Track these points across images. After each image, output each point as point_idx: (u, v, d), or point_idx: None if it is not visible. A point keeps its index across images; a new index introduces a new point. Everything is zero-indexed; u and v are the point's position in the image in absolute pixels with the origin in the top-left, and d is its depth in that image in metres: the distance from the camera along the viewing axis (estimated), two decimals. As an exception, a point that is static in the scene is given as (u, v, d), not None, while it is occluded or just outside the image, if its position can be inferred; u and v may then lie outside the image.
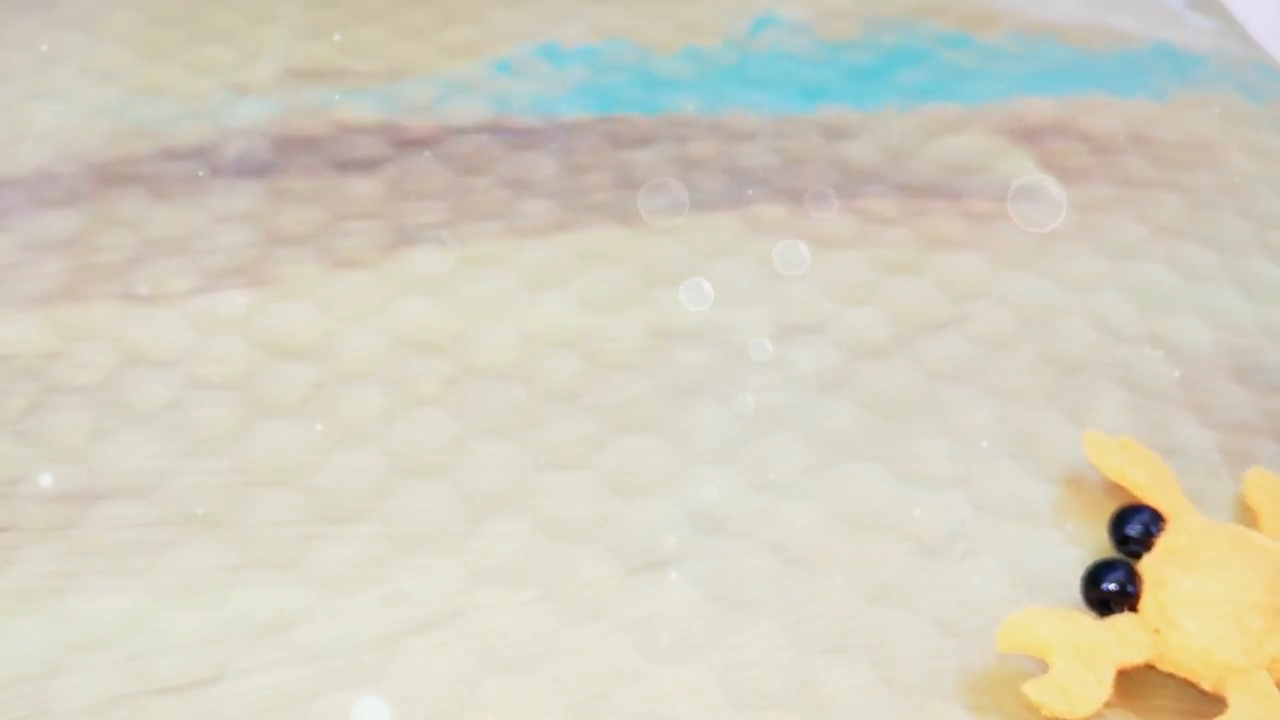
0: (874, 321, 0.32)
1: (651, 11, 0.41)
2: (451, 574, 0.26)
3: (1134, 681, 0.25)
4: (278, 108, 0.36)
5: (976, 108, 0.38)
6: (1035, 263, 0.34)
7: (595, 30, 0.40)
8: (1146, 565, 0.25)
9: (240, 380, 0.29)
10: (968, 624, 0.25)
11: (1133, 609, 0.25)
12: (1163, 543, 0.26)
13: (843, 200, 0.35)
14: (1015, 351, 0.31)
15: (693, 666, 0.25)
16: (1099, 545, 0.27)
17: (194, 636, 0.24)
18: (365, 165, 0.34)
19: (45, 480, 0.27)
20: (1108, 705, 0.24)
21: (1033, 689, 0.24)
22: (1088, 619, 0.25)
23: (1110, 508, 0.27)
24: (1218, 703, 0.24)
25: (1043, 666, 0.24)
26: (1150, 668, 0.25)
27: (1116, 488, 0.28)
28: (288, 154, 0.34)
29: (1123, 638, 0.24)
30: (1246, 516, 0.27)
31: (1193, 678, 0.24)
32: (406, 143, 0.35)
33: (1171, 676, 0.25)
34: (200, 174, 0.34)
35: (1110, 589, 0.25)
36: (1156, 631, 0.24)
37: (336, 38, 0.38)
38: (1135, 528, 0.26)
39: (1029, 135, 0.38)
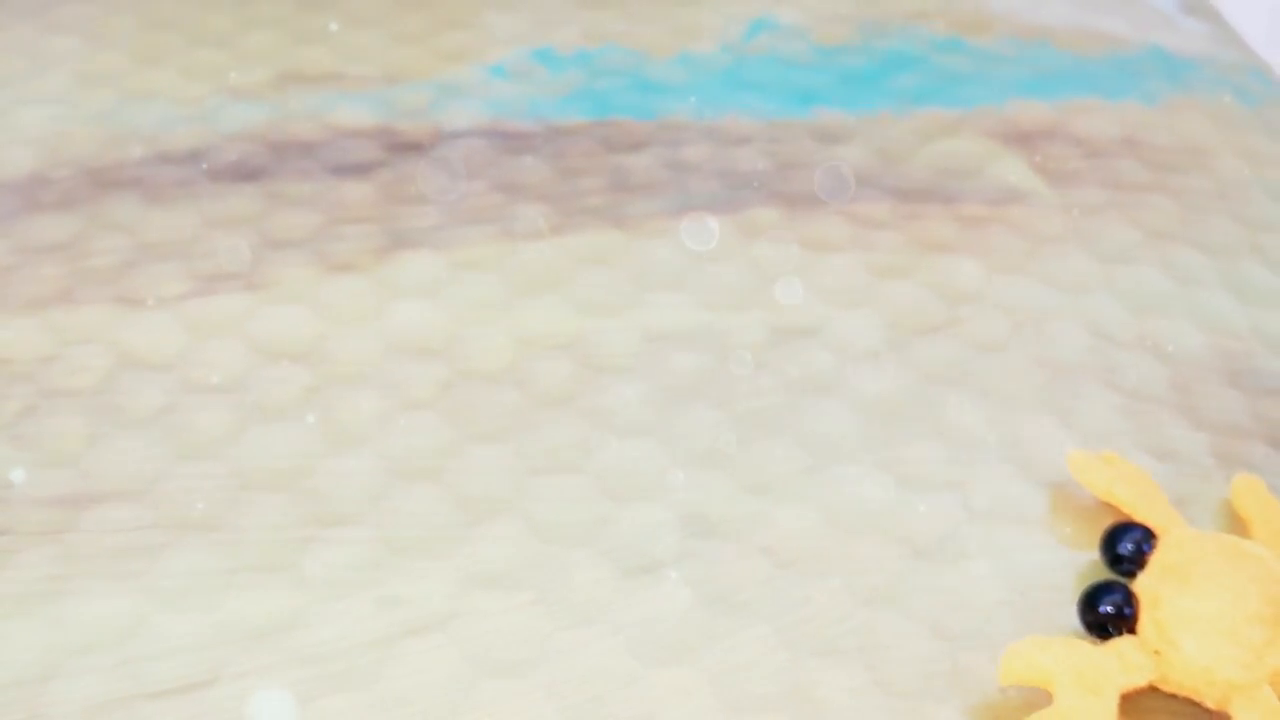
0: (867, 325, 0.32)
1: (646, 16, 0.41)
2: (446, 577, 0.26)
3: (1137, 703, 0.25)
4: (272, 112, 0.36)
5: (970, 112, 0.39)
6: (1028, 266, 0.34)
7: (590, 35, 0.40)
8: (1142, 585, 0.25)
9: (235, 384, 0.29)
10: (960, 627, 0.25)
11: (1131, 631, 0.25)
12: (1156, 560, 0.26)
13: (836, 204, 0.35)
14: (1008, 355, 0.31)
15: (686, 669, 0.25)
16: (1092, 548, 0.27)
17: (189, 640, 0.24)
18: (360, 169, 0.34)
19: (39, 484, 0.27)
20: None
21: None
22: (1087, 645, 0.24)
23: (1103, 511, 0.28)
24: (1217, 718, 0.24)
25: (1047, 696, 0.24)
26: (1153, 689, 0.25)
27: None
28: (282, 158, 0.34)
29: (1124, 661, 0.24)
30: (1236, 524, 0.27)
31: (1196, 697, 0.24)
32: (401, 147, 0.35)
33: (1174, 697, 0.25)
34: (195, 178, 0.34)
35: (1107, 612, 0.25)
36: (1157, 653, 0.24)
37: (331, 42, 0.38)
38: (1127, 546, 0.26)
39: (1022, 139, 0.38)
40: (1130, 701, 0.24)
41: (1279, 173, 0.37)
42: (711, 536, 0.27)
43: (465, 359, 0.30)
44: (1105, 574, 0.26)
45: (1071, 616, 0.25)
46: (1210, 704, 0.24)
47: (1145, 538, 0.26)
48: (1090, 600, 0.25)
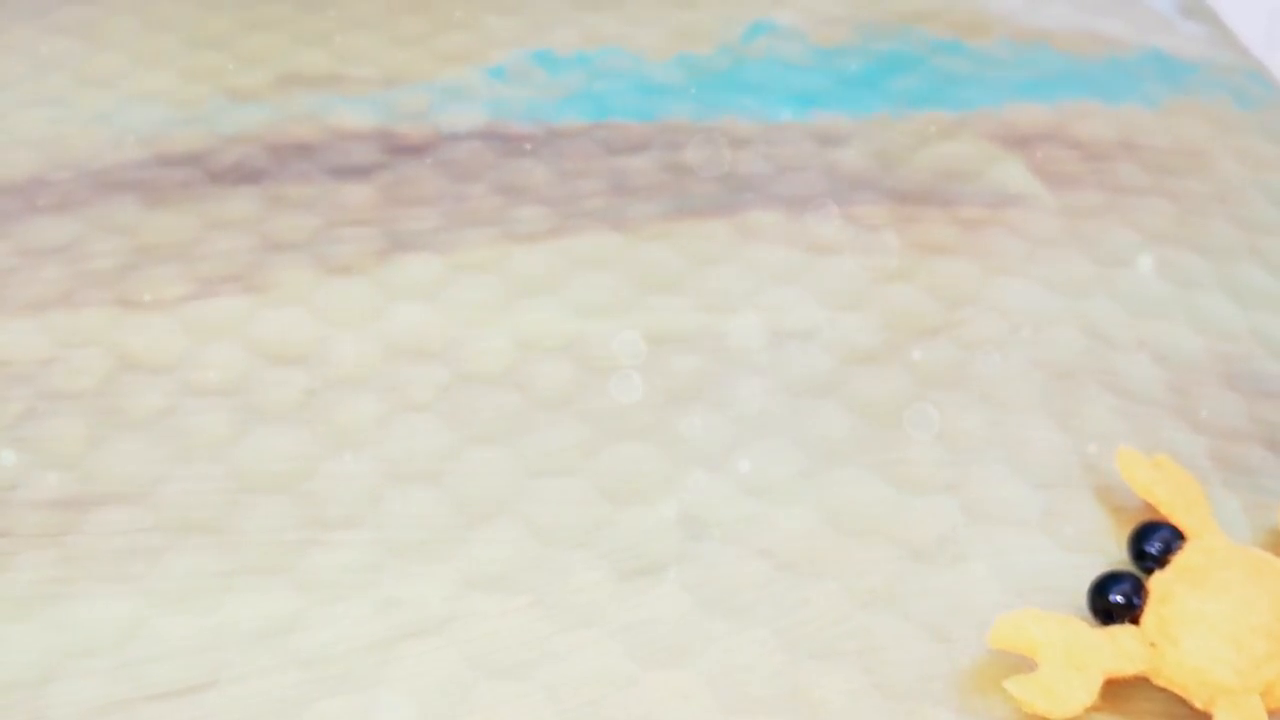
0: (865, 327, 0.32)
1: (645, 18, 0.41)
2: (444, 580, 0.26)
3: (1123, 689, 0.25)
4: (272, 114, 0.36)
5: (968, 114, 0.39)
6: (1026, 269, 0.34)
7: (589, 37, 0.40)
8: (1156, 580, 0.25)
9: (234, 386, 0.29)
10: (958, 629, 0.26)
11: (1135, 622, 0.25)
12: (1178, 560, 0.26)
13: (835, 207, 0.35)
14: (1006, 357, 0.31)
15: (684, 672, 0.25)
16: (1090, 550, 0.27)
17: (188, 642, 0.24)
18: (360, 172, 0.35)
19: (39, 486, 0.27)
20: (1094, 709, 0.24)
21: (1015, 686, 0.24)
22: (1083, 624, 0.25)
23: (1102, 514, 0.28)
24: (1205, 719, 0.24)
25: (1033, 667, 0.24)
26: (1144, 680, 0.25)
27: (1109, 494, 0.28)
28: (282, 160, 0.34)
29: (1117, 647, 0.24)
30: (1278, 545, 0.27)
31: (1184, 694, 0.25)
32: (401, 149, 0.35)
33: (1164, 690, 0.25)
34: (195, 180, 0.34)
35: (1116, 600, 0.25)
36: (1153, 645, 0.24)
37: (330, 44, 0.38)
38: (1154, 544, 0.26)
39: (1021, 142, 0.38)
40: (1119, 694, 0.25)
41: (1278, 176, 0.38)
42: (710, 539, 0.27)
43: (464, 361, 0.30)
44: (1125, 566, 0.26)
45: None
46: (1198, 704, 0.24)
47: (1174, 538, 0.26)
48: (1101, 587, 0.26)
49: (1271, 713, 0.24)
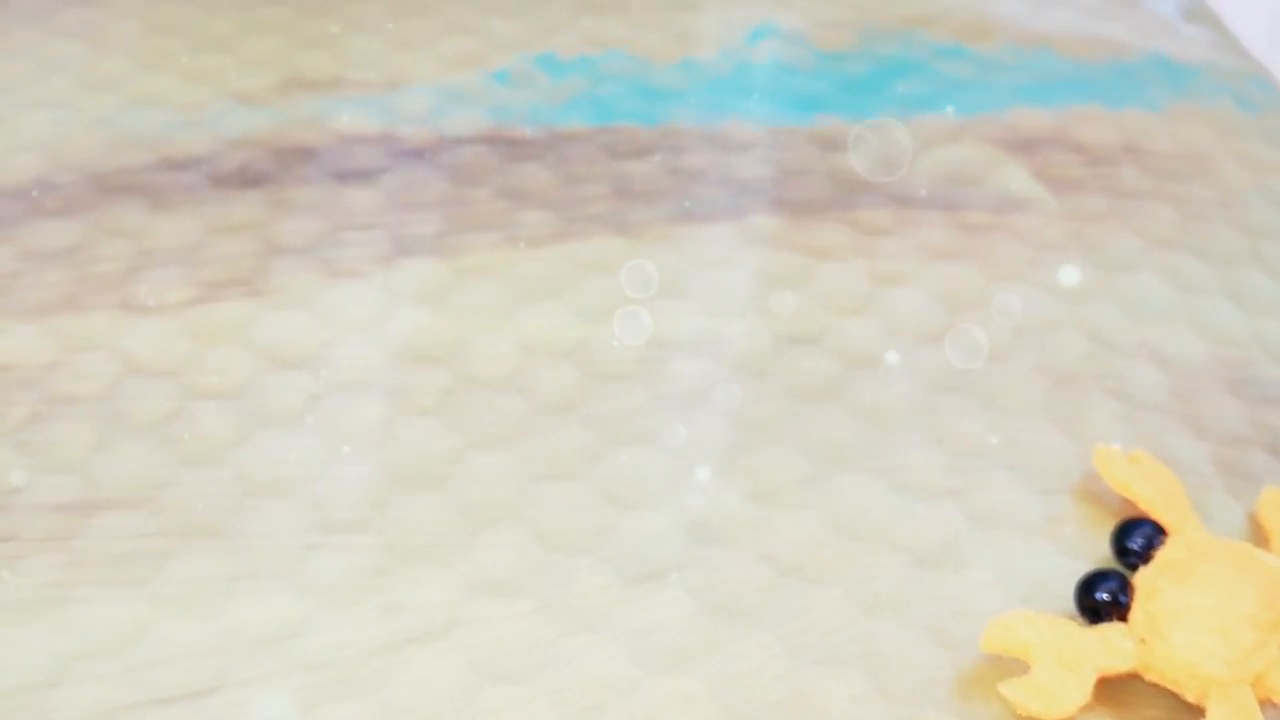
0: (869, 333, 0.32)
1: (649, 22, 0.41)
2: (449, 585, 0.26)
3: (1118, 688, 0.25)
4: (276, 117, 0.36)
5: (971, 119, 0.39)
6: (1029, 274, 0.34)
7: (593, 41, 0.40)
8: (1141, 576, 0.26)
9: (239, 390, 0.29)
10: (962, 635, 0.26)
11: (1123, 619, 0.25)
12: (1161, 555, 0.26)
13: (838, 211, 0.35)
14: (1009, 363, 0.31)
15: (688, 677, 0.25)
16: (1093, 556, 0.27)
17: (193, 647, 0.24)
18: (364, 175, 0.35)
19: (44, 490, 0.27)
20: (1088, 709, 0.24)
21: (1009, 689, 0.24)
22: (1073, 624, 0.25)
23: (1105, 519, 0.28)
24: (1200, 714, 0.24)
25: (1027, 670, 0.24)
26: (1135, 677, 0.25)
27: (1111, 500, 0.28)
28: (286, 164, 0.35)
29: (1108, 645, 0.25)
30: (1258, 535, 0.27)
31: (1176, 689, 0.25)
32: (404, 153, 0.35)
33: (1157, 685, 0.25)
34: (199, 184, 0.34)
35: (1102, 598, 0.25)
36: (1143, 641, 0.25)
37: (333, 48, 0.38)
38: (1137, 540, 0.26)
39: (1024, 146, 0.38)
40: (1115, 690, 0.25)
41: (1280, 180, 0.38)
42: (714, 544, 0.27)
43: (468, 366, 0.30)
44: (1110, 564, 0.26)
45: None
46: (1190, 697, 0.24)
47: (1156, 534, 0.26)
48: (1087, 585, 0.26)
49: (1262, 702, 0.24)
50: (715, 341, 0.31)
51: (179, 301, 0.31)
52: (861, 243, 0.34)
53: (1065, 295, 0.33)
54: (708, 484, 0.28)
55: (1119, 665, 0.24)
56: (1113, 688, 0.25)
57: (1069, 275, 0.34)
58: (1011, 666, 0.25)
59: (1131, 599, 0.25)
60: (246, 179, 0.34)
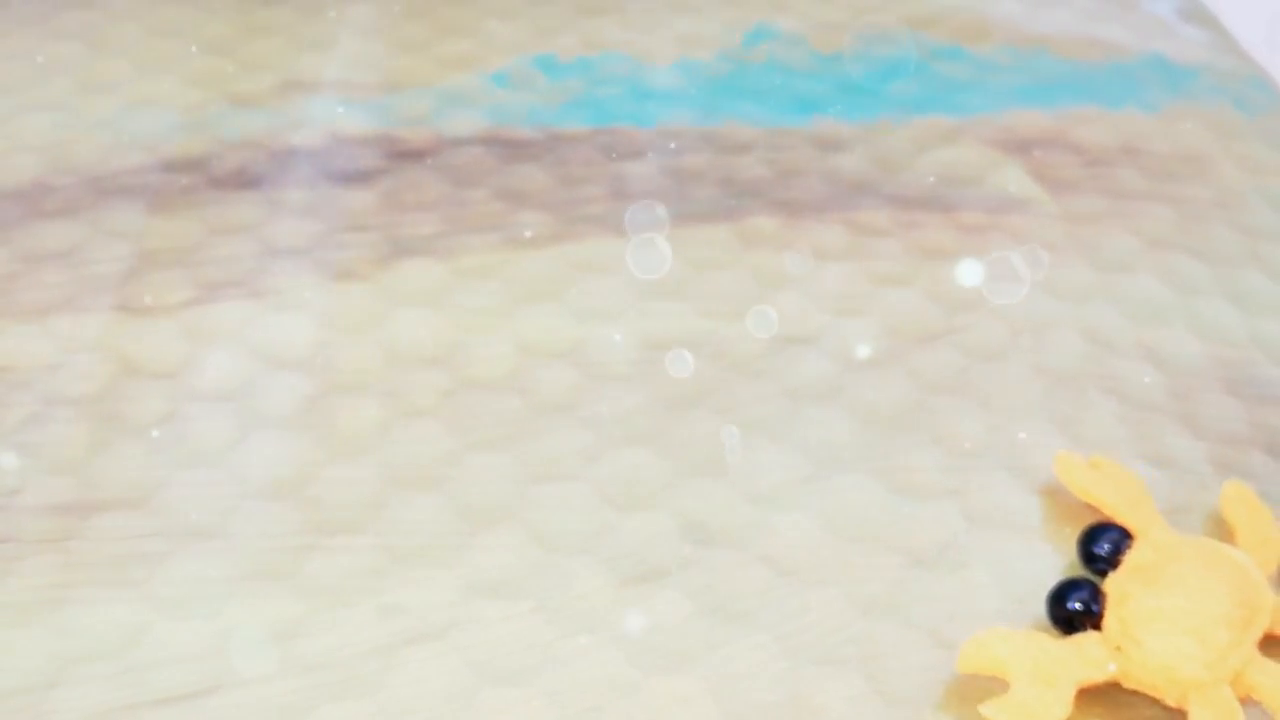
0: (866, 333, 0.32)
1: (646, 24, 0.41)
2: (447, 586, 0.26)
3: (1108, 691, 0.25)
4: (274, 119, 0.36)
5: (969, 120, 0.39)
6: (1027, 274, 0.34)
7: (590, 43, 0.40)
8: (1112, 582, 0.25)
9: (237, 392, 0.29)
10: (959, 635, 0.25)
11: (1097, 628, 0.25)
12: (1129, 559, 0.26)
13: (836, 212, 0.35)
14: (1007, 363, 0.31)
15: (686, 678, 0.25)
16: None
17: (191, 648, 0.24)
18: (361, 177, 0.35)
19: (42, 491, 0.27)
20: (1080, 713, 0.24)
21: (989, 709, 0.24)
22: (1048, 638, 0.25)
23: (1096, 516, 0.28)
24: (1182, 717, 0.24)
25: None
26: (1115, 685, 0.25)
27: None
28: (284, 166, 0.35)
29: (1084, 656, 0.24)
30: (1222, 531, 0.27)
31: (1156, 694, 0.24)
32: (403, 155, 0.35)
33: (1137, 692, 0.25)
34: (197, 185, 0.34)
35: (1074, 608, 0.25)
36: (1118, 649, 0.24)
37: (332, 50, 0.38)
38: (1103, 546, 0.26)
39: (1021, 147, 0.38)
40: (1105, 693, 0.25)
41: (1278, 181, 0.38)
42: (711, 545, 0.27)
43: (467, 367, 0.30)
44: (1080, 571, 0.26)
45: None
46: (1170, 701, 0.24)
47: (1122, 538, 0.26)
48: (1058, 596, 0.25)
49: (1242, 700, 0.24)
50: (713, 342, 0.31)
51: (177, 303, 0.31)
52: (859, 243, 0.34)
53: (1063, 296, 0.33)
54: (705, 485, 0.28)
55: (1096, 676, 0.24)
56: (1103, 691, 0.25)
57: (1070, 276, 0.34)
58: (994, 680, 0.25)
59: (1104, 607, 0.25)
60: (245, 180, 0.34)
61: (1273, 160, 0.38)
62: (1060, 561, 0.27)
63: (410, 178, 0.35)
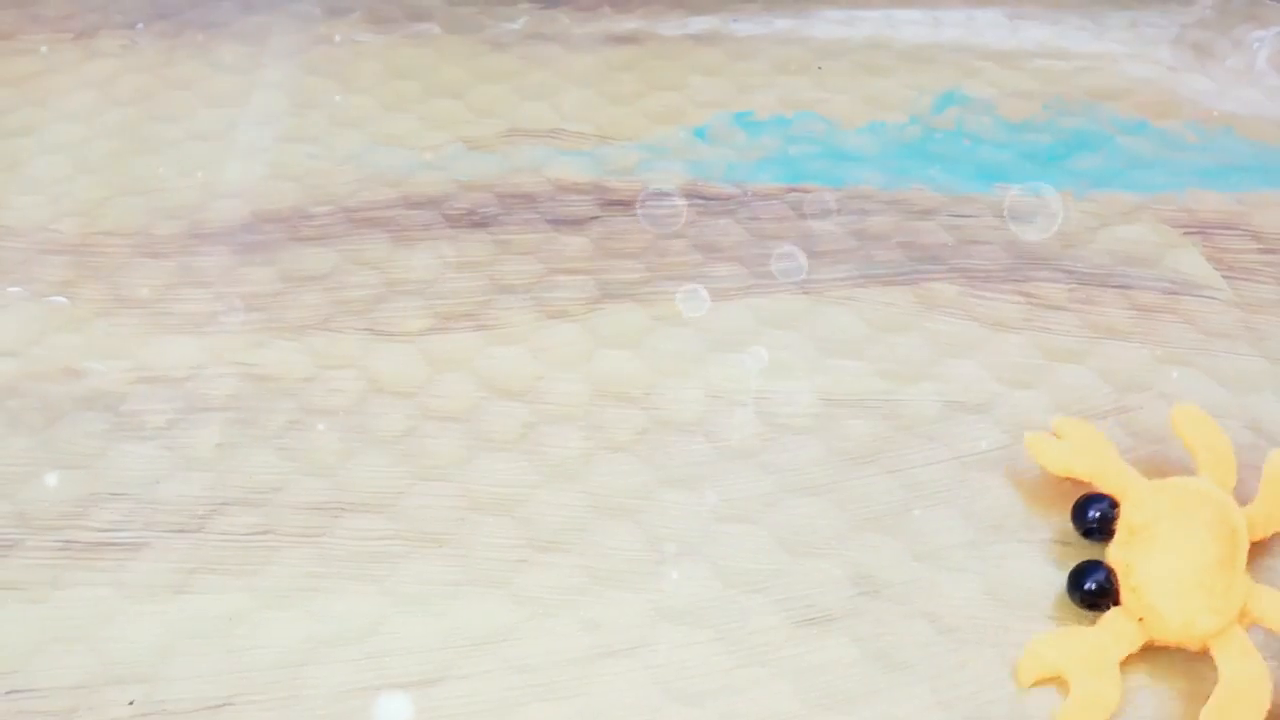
0: (1037, 405, 0.34)
1: (840, 85, 0.43)
2: (639, 608, 0.29)
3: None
4: (501, 164, 0.40)
5: (1150, 197, 0.40)
6: (1196, 360, 0.35)
7: (787, 102, 0.43)
8: (1114, 555, 0.28)
9: (465, 414, 0.33)
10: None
11: (1117, 601, 0.28)
12: (1121, 524, 0.29)
13: (1014, 283, 0.37)
14: (1170, 447, 0.33)
15: (847, 719, 0.27)
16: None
17: (421, 641, 0.28)
18: (576, 222, 0.38)
19: (300, 491, 0.31)
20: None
21: (1062, 718, 0.26)
22: (1086, 629, 0.28)
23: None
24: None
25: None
26: (1150, 647, 0.28)
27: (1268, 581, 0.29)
28: (509, 208, 0.38)
29: (1117, 634, 0.27)
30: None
31: (1182, 647, 0.28)
32: (612, 203, 0.39)
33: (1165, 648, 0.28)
34: (435, 222, 0.38)
35: (1091, 589, 0.28)
36: (1140, 619, 0.27)
37: (552, 99, 0.42)
38: (1094, 515, 0.29)
39: (1200, 229, 0.39)
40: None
41: None
42: (878, 596, 0.30)
43: (660, 408, 0.33)
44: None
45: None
46: (1194, 649, 0.27)
47: (1109, 505, 0.29)
48: (1076, 582, 0.28)
49: (1249, 629, 0.27)
50: (889, 402, 0.34)
51: (417, 330, 0.35)
52: (1035, 315, 0.36)
53: (1230, 383, 0.34)
54: (875, 538, 0.31)
55: (1131, 649, 0.27)
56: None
57: (1240, 364, 0.35)
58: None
59: (1116, 581, 0.28)
60: (475, 220, 0.38)
61: None
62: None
63: (618, 225, 0.38)
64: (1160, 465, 0.32)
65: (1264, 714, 0.26)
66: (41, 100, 0.42)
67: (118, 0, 0.46)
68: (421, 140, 0.40)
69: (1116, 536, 0.29)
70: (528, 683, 0.28)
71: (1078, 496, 0.30)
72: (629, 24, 0.46)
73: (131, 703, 0.27)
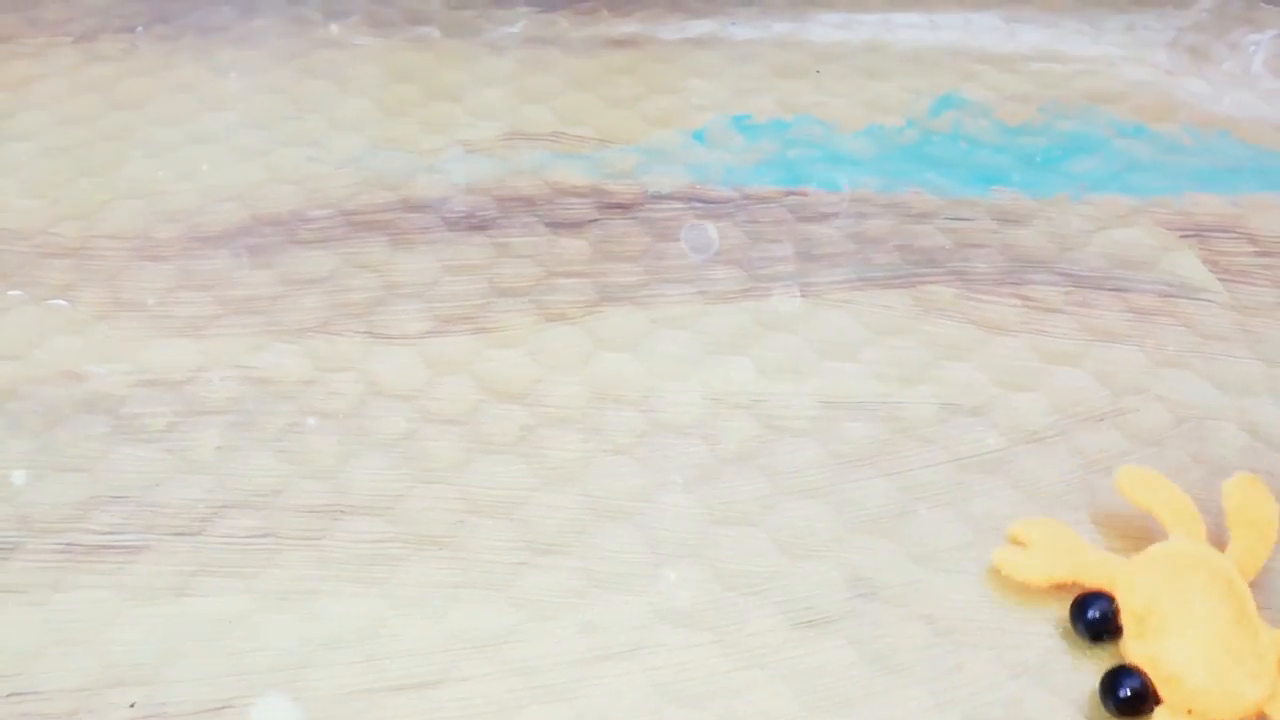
0: (1034, 408, 0.34)
1: (838, 88, 0.44)
2: (637, 611, 0.29)
3: None
4: (500, 167, 0.40)
5: (1147, 201, 0.40)
6: (1193, 363, 0.35)
7: (785, 105, 0.43)
8: (1133, 653, 0.28)
9: (464, 417, 0.33)
10: (1103, 710, 0.28)
11: (1158, 699, 0.27)
12: (1125, 617, 0.28)
13: (1011, 286, 0.37)
14: (1166, 449, 0.33)
15: None
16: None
17: (421, 643, 0.28)
18: (575, 226, 0.38)
19: (299, 493, 0.31)
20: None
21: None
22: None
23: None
24: None
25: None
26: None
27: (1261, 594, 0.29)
28: (508, 211, 0.38)
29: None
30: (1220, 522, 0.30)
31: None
32: (611, 206, 0.39)
33: None
34: (433, 225, 0.38)
35: (1128, 697, 0.27)
36: (1189, 711, 0.27)
37: (551, 102, 0.42)
38: (1093, 614, 0.28)
39: (1197, 232, 0.39)
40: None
41: None
42: (875, 599, 0.30)
43: (659, 411, 0.34)
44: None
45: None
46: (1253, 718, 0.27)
47: (1108, 602, 0.28)
48: (1110, 692, 0.27)
49: None
50: (886, 405, 0.34)
51: (416, 333, 0.35)
52: (1032, 318, 0.36)
53: (1227, 386, 0.35)
54: (872, 541, 0.31)
55: None
56: None
57: (1236, 367, 0.35)
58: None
59: (1149, 680, 0.27)
60: (474, 223, 0.38)
61: None
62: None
63: (617, 229, 0.38)
64: (1163, 471, 0.32)
65: None
66: (42, 104, 0.42)
67: (118, 4, 0.46)
68: (420, 144, 0.40)
69: (1126, 631, 0.28)
70: (527, 685, 0.28)
71: (1071, 601, 0.29)
72: (627, 27, 0.46)
73: (133, 705, 0.27)
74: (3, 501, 0.31)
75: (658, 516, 0.31)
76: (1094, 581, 0.29)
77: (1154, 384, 0.35)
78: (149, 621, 0.29)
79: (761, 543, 0.31)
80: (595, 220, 0.38)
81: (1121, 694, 0.27)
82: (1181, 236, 0.39)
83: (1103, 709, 0.28)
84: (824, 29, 0.46)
